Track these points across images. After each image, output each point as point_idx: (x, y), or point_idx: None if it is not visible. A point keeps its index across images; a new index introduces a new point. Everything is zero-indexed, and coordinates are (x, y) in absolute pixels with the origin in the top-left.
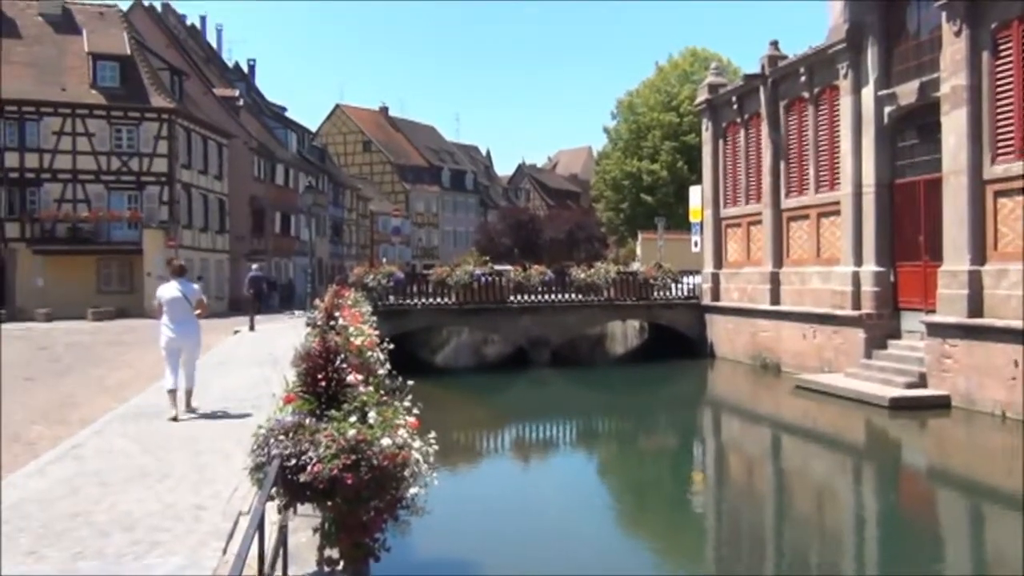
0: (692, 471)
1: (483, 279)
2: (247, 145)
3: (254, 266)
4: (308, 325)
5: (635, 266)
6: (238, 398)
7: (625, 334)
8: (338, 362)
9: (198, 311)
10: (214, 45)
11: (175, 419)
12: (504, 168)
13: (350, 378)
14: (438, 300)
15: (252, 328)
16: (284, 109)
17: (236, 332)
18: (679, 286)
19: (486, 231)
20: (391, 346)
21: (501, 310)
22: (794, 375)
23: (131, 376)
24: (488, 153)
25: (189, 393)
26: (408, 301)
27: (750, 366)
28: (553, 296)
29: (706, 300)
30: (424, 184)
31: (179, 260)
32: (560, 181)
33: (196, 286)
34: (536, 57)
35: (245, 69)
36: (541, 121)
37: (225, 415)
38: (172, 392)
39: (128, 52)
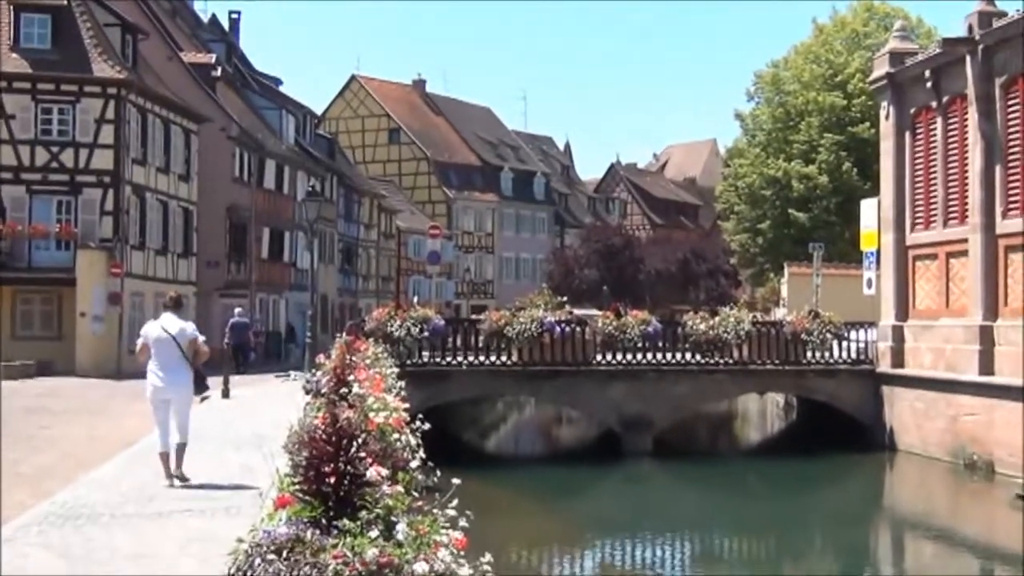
0: None
1: (558, 329)
2: (225, 133)
3: (238, 309)
4: (308, 392)
5: (779, 313)
6: (207, 496)
7: (763, 413)
8: (353, 449)
9: (197, 356)
10: None
11: (171, 484)
12: (590, 169)
13: (370, 473)
14: (492, 359)
15: (226, 395)
16: (279, 82)
17: (204, 399)
18: (844, 344)
19: (563, 259)
20: (426, 426)
21: (583, 374)
22: (1015, 479)
23: (56, 460)
24: (568, 147)
25: (182, 449)
26: (450, 359)
27: (949, 465)
28: (659, 356)
29: (884, 366)
30: (475, 191)
31: (178, 291)
32: (670, 189)
33: (191, 325)
34: (635, 12)
35: (226, 25)
36: (643, 102)
37: (190, 517)
38: (164, 455)
39: (63, 0)
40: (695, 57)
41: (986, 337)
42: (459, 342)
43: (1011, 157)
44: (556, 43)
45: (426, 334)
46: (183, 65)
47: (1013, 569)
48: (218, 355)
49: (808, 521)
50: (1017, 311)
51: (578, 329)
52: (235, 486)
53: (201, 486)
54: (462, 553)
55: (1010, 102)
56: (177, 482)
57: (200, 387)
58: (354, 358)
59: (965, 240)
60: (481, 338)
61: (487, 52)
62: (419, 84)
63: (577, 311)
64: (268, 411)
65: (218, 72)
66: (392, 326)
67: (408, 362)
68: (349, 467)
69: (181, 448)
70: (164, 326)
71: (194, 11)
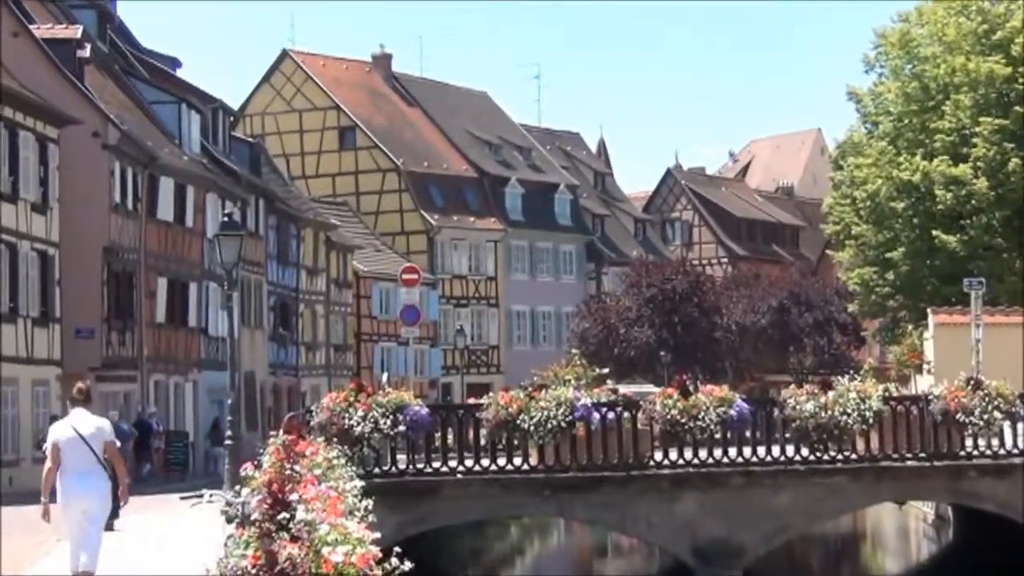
0: None
1: (597, 417)
2: (99, 139)
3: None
4: (230, 520)
5: (922, 384)
6: None
7: (904, 532)
8: None
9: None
10: None
11: None
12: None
13: None
14: (500, 463)
15: (108, 527)
16: (176, 64)
17: (58, 540)
18: (1021, 428)
19: (601, 313)
20: (406, 565)
21: (636, 482)
22: None
23: None
24: (603, 147)
25: None
26: (438, 465)
27: None
28: (747, 451)
29: None
30: (468, 214)
31: (86, 381)
32: (756, 203)
33: (107, 423)
34: None
35: None
36: (711, 77)
37: None
38: None
39: None
40: (788, 9)
41: None
42: (451, 439)
43: None
44: None
45: (402, 428)
46: (34, 42)
47: None
48: None
49: None
50: None
51: (626, 415)
52: None
53: None
54: None
55: None
56: None
57: (113, 508)
58: (296, 467)
59: None
60: (483, 432)
61: (481, 13)
62: (382, 61)
63: (624, 388)
64: (172, 551)
65: (87, 51)
66: (351, 418)
67: (377, 471)
68: None
69: None
70: (75, 425)
71: None
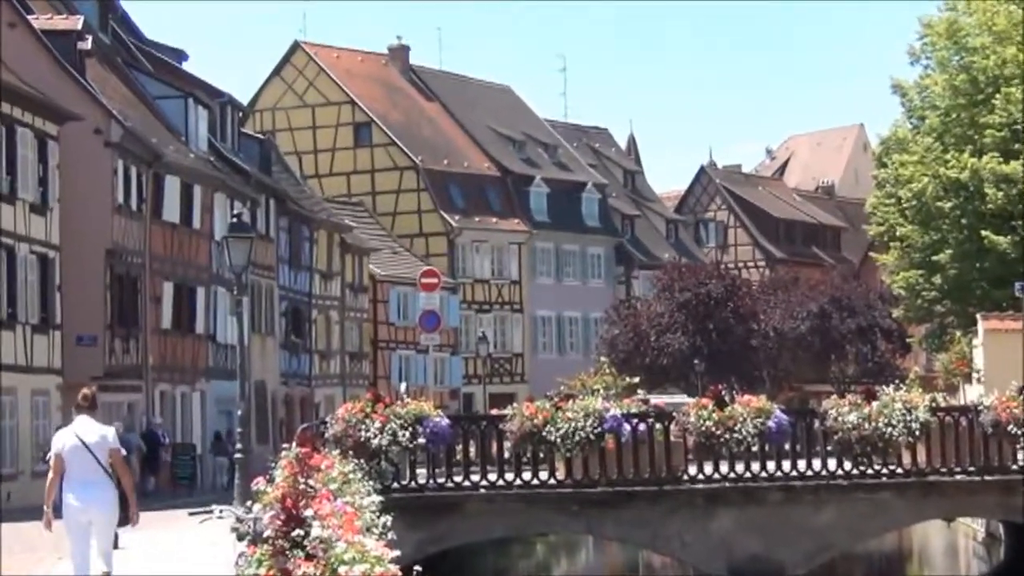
0: None
1: (627, 428)
2: (102, 136)
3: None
4: (241, 538)
5: (971, 393)
6: None
7: (953, 551)
8: None
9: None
10: None
11: None
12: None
13: None
14: (525, 477)
15: (115, 544)
16: (183, 57)
17: (60, 559)
18: None
19: (631, 319)
20: None
21: (669, 498)
22: None
23: None
24: (633, 143)
25: None
26: (460, 479)
27: None
28: (786, 465)
29: None
30: (490, 215)
31: (91, 387)
32: (795, 203)
33: (111, 431)
34: None
35: None
36: (747, 69)
37: None
38: None
39: None
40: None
41: None
42: (473, 452)
43: None
44: None
45: (421, 441)
46: (33, 33)
47: None
48: None
49: None
50: None
51: (659, 427)
52: None
53: None
54: None
55: None
56: None
57: (122, 516)
58: (311, 482)
59: None
60: (507, 445)
61: (503, 2)
62: (399, 53)
63: (656, 399)
64: (180, 570)
65: (88, 43)
66: (368, 430)
67: (395, 486)
68: None
69: None
70: (78, 432)
71: None
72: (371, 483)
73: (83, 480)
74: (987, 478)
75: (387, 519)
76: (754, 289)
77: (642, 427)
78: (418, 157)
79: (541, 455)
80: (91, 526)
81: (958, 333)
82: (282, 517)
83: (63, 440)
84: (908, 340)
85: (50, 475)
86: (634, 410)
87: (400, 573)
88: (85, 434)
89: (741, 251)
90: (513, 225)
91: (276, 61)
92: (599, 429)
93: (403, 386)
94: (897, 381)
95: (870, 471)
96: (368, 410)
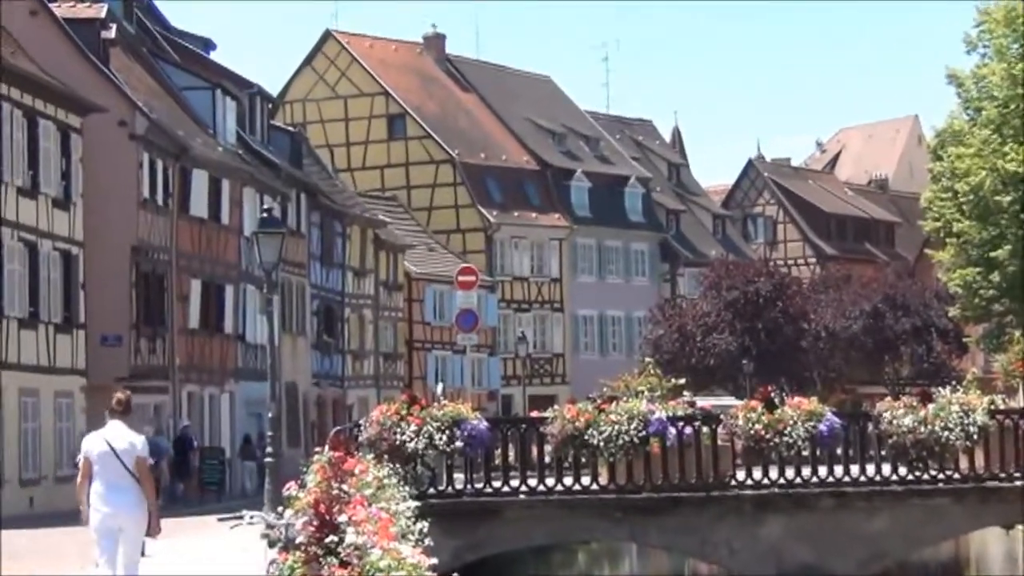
0: None
1: (672, 432)
2: (126, 129)
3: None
4: (273, 544)
5: None
6: None
7: (1012, 558)
8: None
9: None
10: None
11: None
12: (714, 170)
13: None
14: (567, 482)
15: (143, 551)
16: (210, 47)
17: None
18: None
19: (677, 318)
20: None
21: (716, 504)
22: None
23: None
24: (678, 136)
25: None
26: (499, 485)
27: None
28: (838, 470)
29: None
30: (530, 210)
31: (126, 392)
32: (847, 197)
33: (141, 439)
34: None
35: None
36: (797, 59)
37: None
38: None
39: None
40: None
41: None
42: (513, 456)
43: None
44: None
45: (459, 445)
46: (55, 22)
47: None
48: None
49: None
50: None
51: (705, 430)
52: None
53: None
54: None
55: None
56: None
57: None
58: (344, 486)
59: None
60: (548, 449)
61: None
62: (434, 42)
63: (703, 401)
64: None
65: (112, 32)
66: (403, 433)
67: (432, 491)
68: None
69: None
70: (108, 438)
71: None
72: (407, 488)
73: (111, 484)
74: None
75: (423, 525)
76: (804, 287)
77: (688, 430)
78: (454, 150)
79: (583, 459)
80: (120, 532)
81: (1017, 333)
82: (315, 523)
83: (92, 444)
84: (965, 340)
85: (78, 478)
86: (680, 413)
87: None
88: (115, 440)
89: (791, 247)
90: (553, 220)
91: (307, 51)
92: (643, 432)
93: (439, 388)
94: (954, 383)
95: (926, 476)
96: (403, 413)
